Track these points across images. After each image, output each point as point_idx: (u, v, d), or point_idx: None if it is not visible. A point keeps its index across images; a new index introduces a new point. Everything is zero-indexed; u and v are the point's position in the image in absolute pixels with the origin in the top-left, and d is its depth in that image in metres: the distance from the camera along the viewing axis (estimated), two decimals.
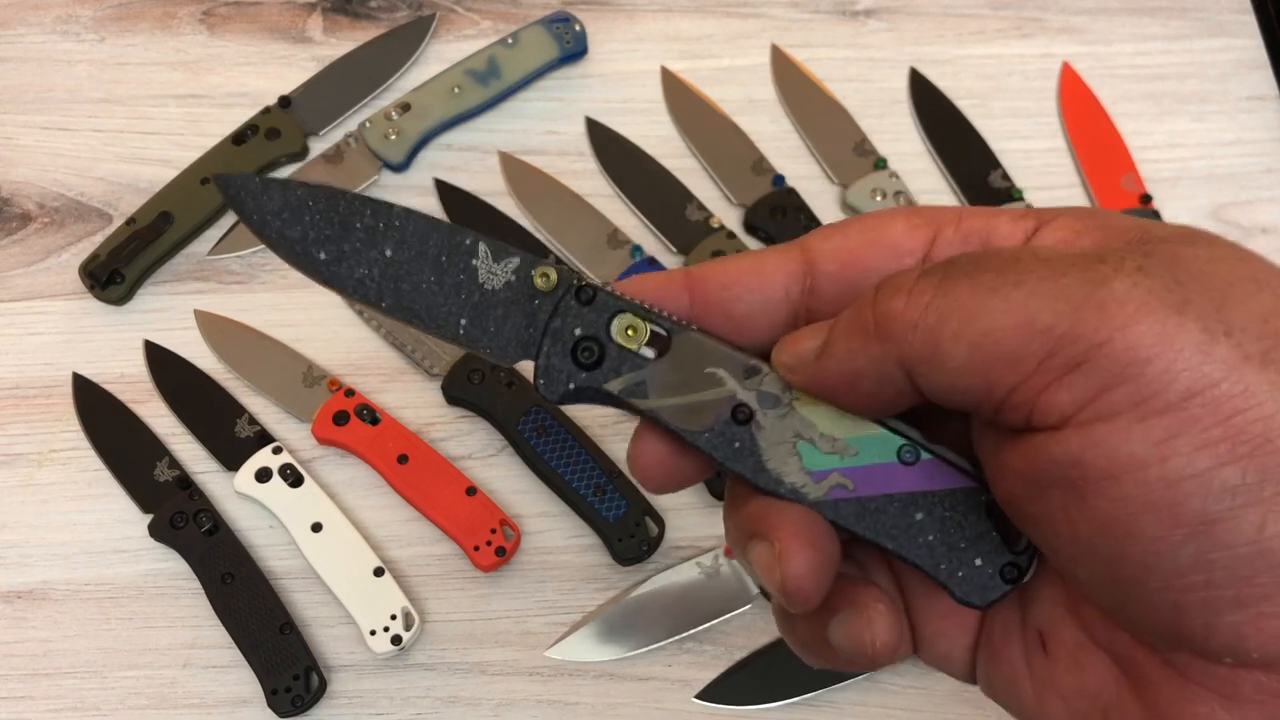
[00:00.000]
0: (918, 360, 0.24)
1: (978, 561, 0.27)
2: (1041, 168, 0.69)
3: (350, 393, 0.59)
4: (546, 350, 0.28)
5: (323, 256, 0.28)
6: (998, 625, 0.28)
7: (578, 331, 0.28)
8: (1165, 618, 0.23)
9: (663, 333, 0.28)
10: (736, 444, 0.27)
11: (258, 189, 0.28)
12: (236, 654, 0.55)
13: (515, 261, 0.28)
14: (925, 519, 0.27)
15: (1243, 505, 0.21)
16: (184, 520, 0.56)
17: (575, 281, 0.28)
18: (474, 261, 0.28)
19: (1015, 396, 0.23)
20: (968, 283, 0.23)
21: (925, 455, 0.27)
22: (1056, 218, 0.26)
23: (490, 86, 0.67)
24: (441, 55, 0.70)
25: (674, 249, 0.64)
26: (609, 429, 0.61)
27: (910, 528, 0.27)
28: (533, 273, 0.28)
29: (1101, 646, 0.26)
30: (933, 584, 0.27)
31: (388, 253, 0.28)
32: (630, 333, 0.28)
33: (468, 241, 0.28)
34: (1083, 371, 0.22)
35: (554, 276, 0.28)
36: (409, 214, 0.28)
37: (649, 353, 0.28)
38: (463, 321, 0.28)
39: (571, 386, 0.28)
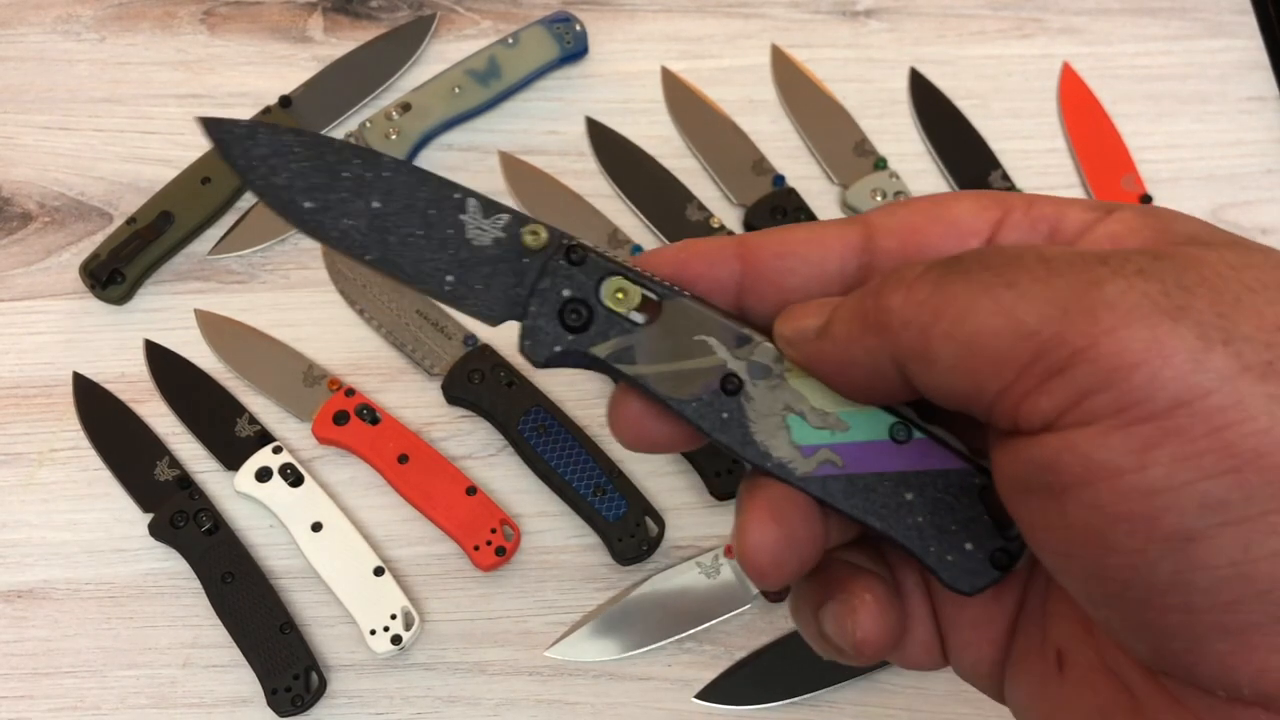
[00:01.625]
0: (909, 358, 0.23)
1: (968, 546, 0.26)
2: (1041, 168, 0.69)
3: (350, 392, 0.59)
4: (533, 311, 0.27)
5: (308, 205, 0.27)
6: (1020, 640, 0.27)
7: (566, 293, 0.27)
8: (1150, 639, 0.22)
9: (653, 297, 0.27)
10: (724, 415, 0.26)
11: (244, 134, 0.27)
12: (236, 653, 0.55)
13: (505, 218, 0.27)
14: (916, 499, 0.26)
15: (1225, 523, 0.20)
16: (184, 520, 0.56)
17: (566, 241, 0.27)
18: (463, 216, 0.27)
19: (1001, 401, 0.22)
20: (964, 281, 0.22)
21: (918, 434, 0.26)
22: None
23: (490, 86, 0.67)
24: (442, 55, 0.70)
25: None
26: (609, 429, 0.60)
27: (900, 508, 0.26)
28: (523, 230, 0.27)
29: (1111, 669, 0.25)
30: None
31: (375, 204, 0.27)
32: (620, 296, 0.27)
33: (457, 195, 0.27)
34: (1065, 377, 0.21)
35: (544, 235, 0.27)
36: (398, 165, 0.27)
37: (638, 318, 0.27)
38: (449, 278, 0.27)
39: (558, 349, 0.27)
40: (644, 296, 0.27)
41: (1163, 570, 0.20)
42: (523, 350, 0.27)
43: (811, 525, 0.26)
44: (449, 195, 0.27)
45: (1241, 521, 0.20)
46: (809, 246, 0.27)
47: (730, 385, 0.26)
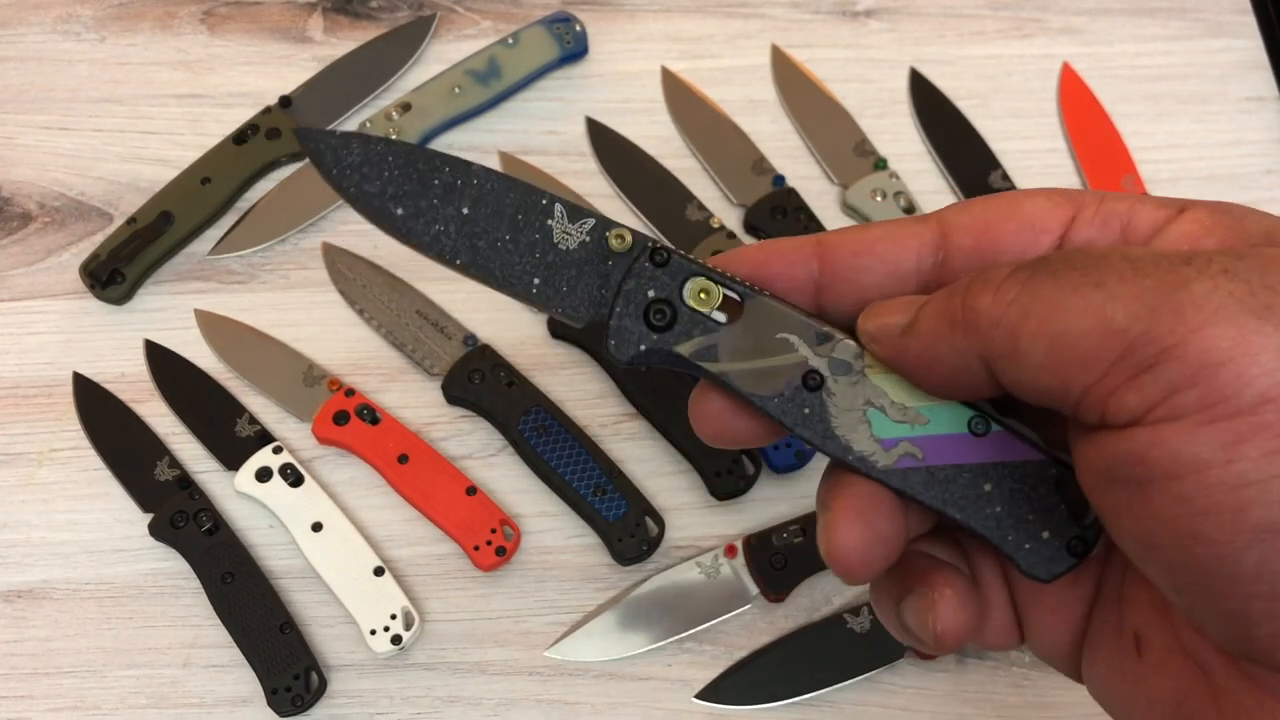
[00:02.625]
0: (997, 356, 0.24)
1: (1045, 534, 0.27)
2: (1041, 168, 0.69)
3: (350, 392, 0.59)
4: (619, 311, 0.28)
5: (400, 212, 0.28)
6: (1097, 623, 0.28)
7: (651, 293, 0.28)
8: (1232, 625, 0.23)
9: (735, 297, 0.28)
10: (806, 410, 0.27)
11: (339, 144, 0.28)
12: (236, 653, 0.55)
13: (591, 222, 0.28)
14: (994, 490, 0.27)
15: None
16: (184, 520, 0.56)
17: (650, 244, 0.28)
18: (550, 221, 0.28)
19: (1090, 396, 0.23)
20: (1053, 281, 0.23)
21: (995, 427, 0.27)
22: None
23: (490, 86, 0.67)
24: (442, 55, 0.70)
25: (674, 249, 0.64)
26: (609, 429, 0.61)
27: (978, 498, 0.27)
28: (608, 234, 0.28)
29: (1189, 652, 0.25)
30: None
31: (465, 210, 0.28)
32: (703, 296, 0.28)
33: (544, 201, 0.28)
34: (1153, 374, 0.21)
35: (629, 238, 0.28)
36: (487, 172, 0.29)
37: (720, 317, 0.28)
38: (536, 281, 0.28)
39: (643, 348, 0.28)
40: (726, 296, 0.28)
41: (1249, 560, 0.21)
42: (608, 349, 0.28)
43: (895, 521, 0.27)
44: (536, 201, 0.28)
45: None
46: (885, 245, 0.28)
47: (812, 381, 0.27)
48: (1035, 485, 0.27)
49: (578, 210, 0.28)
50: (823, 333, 0.27)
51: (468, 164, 0.29)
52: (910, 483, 0.27)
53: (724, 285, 0.28)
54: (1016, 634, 0.30)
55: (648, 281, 0.28)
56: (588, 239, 0.28)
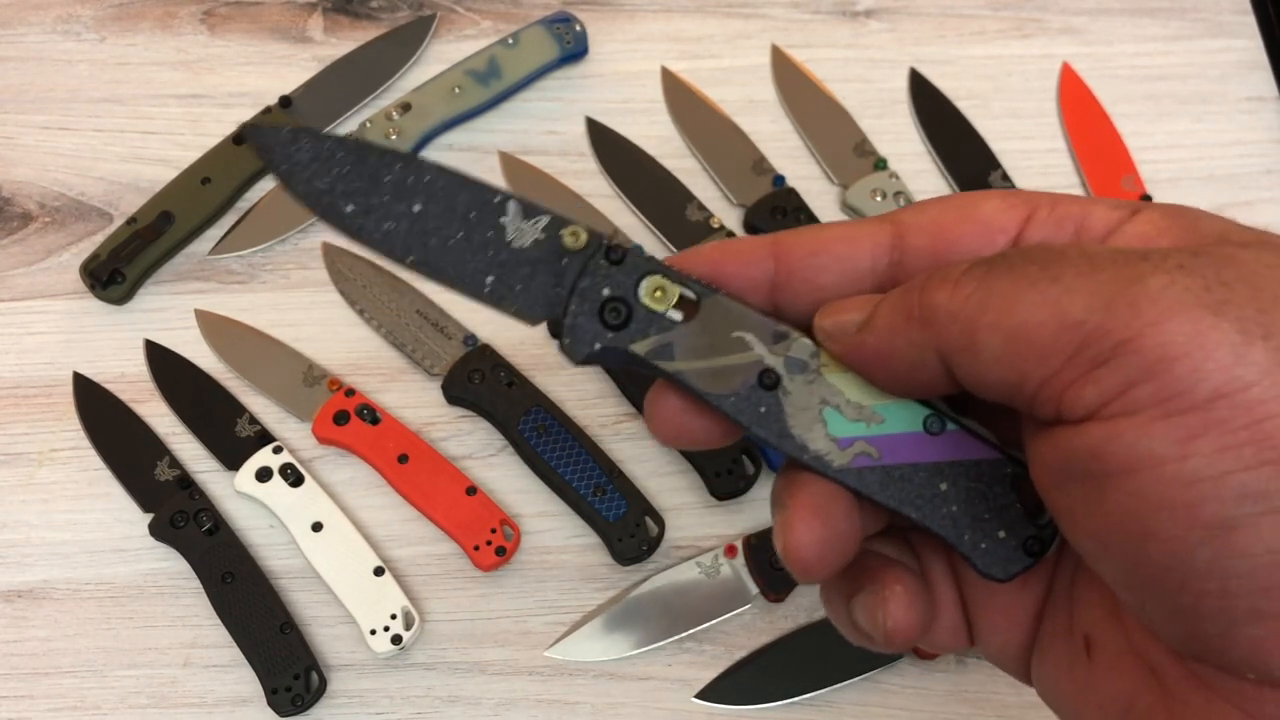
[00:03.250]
0: (954, 350, 0.24)
1: (1001, 534, 0.27)
2: (1041, 168, 0.69)
3: (350, 392, 0.60)
4: (573, 310, 0.28)
5: (350, 209, 0.28)
6: (1048, 625, 0.28)
7: (606, 292, 0.28)
8: (1183, 623, 0.22)
9: (691, 296, 0.27)
10: (762, 409, 0.27)
11: (287, 140, 0.28)
12: (236, 653, 0.55)
13: (545, 220, 0.28)
14: (950, 489, 0.27)
15: (1264, 512, 0.20)
16: (184, 520, 0.56)
17: (605, 241, 0.28)
18: (503, 219, 0.28)
19: (1045, 390, 0.23)
20: (1010, 275, 0.23)
21: (951, 426, 0.27)
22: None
23: (490, 86, 0.67)
24: (442, 55, 0.70)
25: (674, 249, 0.65)
26: (609, 429, 0.61)
27: (935, 497, 0.27)
28: (562, 231, 0.28)
29: (1139, 654, 0.25)
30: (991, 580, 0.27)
31: (416, 207, 0.28)
32: (658, 294, 0.27)
33: (497, 198, 0.28)
34: (1109, 367, 0.21)
35: (584, 236, 0.28)
36: (439, 169, 0.28)
37: (676, 315, 0.27)
38: (489, 279, 0.28)
39: (597, 347, 0.28)
40: (682, 295, 0.27)
41: (1201, 556, 0.21)
42: (562, 348, 0.28)
43: (852, 520, 0.27)
44: (489, 198, 0.28)
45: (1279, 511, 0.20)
46: (841, 245, 0.28)
47: (767, 380, 0.27)
48: (991, 484, 0.27)
49: (532, 207, 0.28)
50: (778, 331, 0.27)
51: (420, 161, 0.28)
52: (866, 482, 0.27)
53: (680, 284, 0.27)
54: (966, 635, 0.29)
55: (603, 279, 0.28)
56: (542, 236, 0.28)
